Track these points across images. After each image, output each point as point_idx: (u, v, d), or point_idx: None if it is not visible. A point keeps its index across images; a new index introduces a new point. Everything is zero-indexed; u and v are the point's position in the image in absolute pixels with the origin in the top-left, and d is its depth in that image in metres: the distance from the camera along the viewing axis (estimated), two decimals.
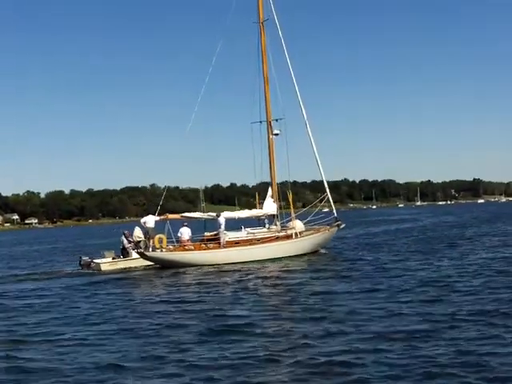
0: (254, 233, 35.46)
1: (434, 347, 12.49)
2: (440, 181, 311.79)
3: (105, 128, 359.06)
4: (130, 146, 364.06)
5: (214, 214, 35.40)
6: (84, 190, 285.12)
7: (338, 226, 38.19)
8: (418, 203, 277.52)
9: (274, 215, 37.12)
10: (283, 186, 39.13)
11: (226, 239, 34.24)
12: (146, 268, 33.67)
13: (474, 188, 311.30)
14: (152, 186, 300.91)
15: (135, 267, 33.97)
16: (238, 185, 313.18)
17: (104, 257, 35.13)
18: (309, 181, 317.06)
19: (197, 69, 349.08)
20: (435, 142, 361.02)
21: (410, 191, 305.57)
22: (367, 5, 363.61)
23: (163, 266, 33.03)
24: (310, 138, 37.98)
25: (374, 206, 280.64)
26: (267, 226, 36.60)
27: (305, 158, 39.09)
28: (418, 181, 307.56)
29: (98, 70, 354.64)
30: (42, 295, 24.84)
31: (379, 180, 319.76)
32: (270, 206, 37.08)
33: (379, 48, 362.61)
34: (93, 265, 34.30)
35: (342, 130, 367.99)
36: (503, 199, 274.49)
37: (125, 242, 35.09)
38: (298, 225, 36.39)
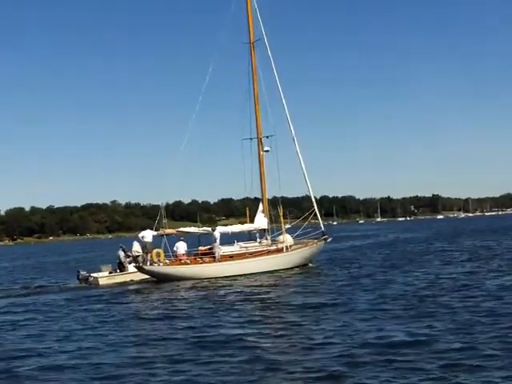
0: (246, 247, 36.68)
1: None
2: (399, 197, 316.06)
3: (64, 144, 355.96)
4: (90, 163, 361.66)
5: (210, 229, 36.61)
6: (44, 206, 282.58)
7: (325, 239, 39.60)
8: (378, 219, 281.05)
9: (264, 229, 38.37)
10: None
11: (221, 253, 35.37)
12: (142, 281, 34.57)
13: (433, 204, 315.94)
14: (113, 202, 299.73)
15: (131, 281, 34.90)
16: (200, 201, 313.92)
17: (101, 271, 35.99)
18: (270, 197, 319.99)
19: (175, 87, 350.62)
20: (394, 159, 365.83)
21: (369, 207, 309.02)
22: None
23: (160, 279, 33.96)
24: (297, 154, 39.44)
25: (335, 222, 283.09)
26: (258, 240, 37.85)
27: (292, 173, 40.24)
28: (378, 197, 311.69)
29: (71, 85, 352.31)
30: (37, 310, 25.48)
31: (339, 196, 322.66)
32: (261, 221, 38.34)
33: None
34: (90, 279, 35.11)
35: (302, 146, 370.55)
36: (462, 215, 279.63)
37: (121, 256, 36.02)
38: (287, 239, 37.69)
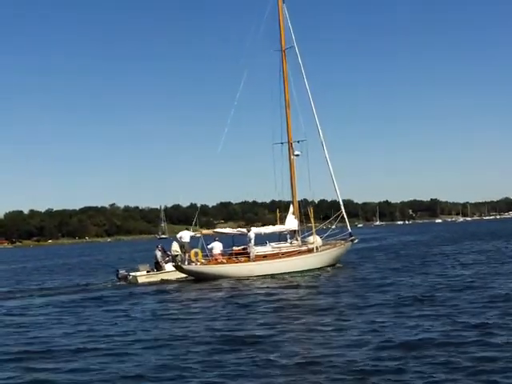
0: (279, 247, 38.03)
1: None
2: (398, 201, 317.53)
3: (63, 147, 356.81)
4: (89, 166, 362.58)
5: (245, 230, 37.96)
6: (43, 210, 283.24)
7: (352, 240, 40.98)
8: (377, 223, 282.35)
9: (295, 230, 39.73)
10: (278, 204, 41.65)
11: (255, 253, 36.70)
12: (178, 280, 35.85)
13: (432, 208, 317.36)
14: (112, 205, 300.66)
15: (168, 280, 36.17)
16: (198, 205, 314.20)
17: (138, 270, 37.28)
18: (268, 200, 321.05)
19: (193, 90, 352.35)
20: (393, 163, 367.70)
21: (368, 211, 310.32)
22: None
23: (198, 278, 35.23)
24: (326, 158, 40.75)
25: (334, 226, 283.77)
26: (289, 240, 39.21)
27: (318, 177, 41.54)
28: (376, 201, 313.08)
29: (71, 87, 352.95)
30: (85, 306, 26.88)
31: (337, 200, 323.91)
32: (291, 222, 39.71)
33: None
34: (130, 277, 36.40)
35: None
36: (460, 219, 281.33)
37: (158, 256, 37.33)
38: (317, 240, 39.05)
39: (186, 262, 35.58)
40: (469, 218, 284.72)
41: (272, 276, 35.15)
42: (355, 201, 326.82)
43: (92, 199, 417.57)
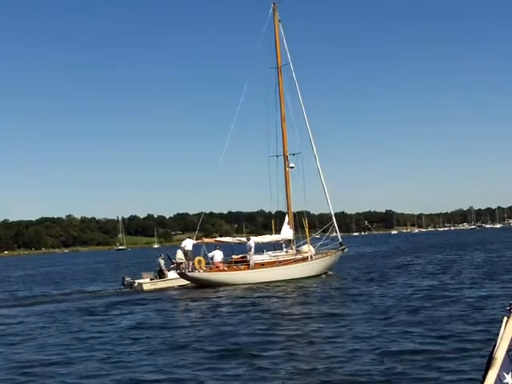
0: (276, 256, 39.83)
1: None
2: (353, 212, 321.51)
3: (20, 157, 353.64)
4: (46, 176, 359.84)
5: (244, 239, 39.68)
6: None
7: (343, 250, 42.96)
8: (334, 234, 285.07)
9: (290, 240, 41.60)
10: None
11: (254, 261, 38.45)
12: (181, 287, 37.42)
13: (387, 219, 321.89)
14: (68, 216, 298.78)
15: (172, 287, 37.72)
16: (155, 216, 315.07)
17: (142, 277, 38.72)
18: (225, 211, 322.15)
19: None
20: (347, 175, 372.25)
21: (324, 222, 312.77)
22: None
23: (201, 285, 36.82)
24: (319, 171, 42.75)
25: (325, 236, 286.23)
26: (285, 249, 41.03)
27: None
28: (316, 213, 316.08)
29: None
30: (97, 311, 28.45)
31: (294, 211, 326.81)
32: (286, 232, 41.58)
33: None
34: (135, 284, 37.84)
35: (253, 161, 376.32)
36: (416, 230, 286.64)
37: (162, 264, 38.83)
38: (311, 249, 40.96)
39: (190, 270, 37.11)
40: (424, 230, 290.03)
41: (270, 283, 36.82)
42: (311, 212, 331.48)
43: (48, 210, 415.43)
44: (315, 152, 42.85)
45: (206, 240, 39.84)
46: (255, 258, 38.79)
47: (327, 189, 43.59)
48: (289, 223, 42.17)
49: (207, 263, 37.74)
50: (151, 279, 38.60)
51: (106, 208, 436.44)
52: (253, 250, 38.48)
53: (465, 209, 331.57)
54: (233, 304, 28.18)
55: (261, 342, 17.23)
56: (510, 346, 3.19)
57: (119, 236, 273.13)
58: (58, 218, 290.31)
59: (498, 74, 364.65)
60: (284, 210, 43.34)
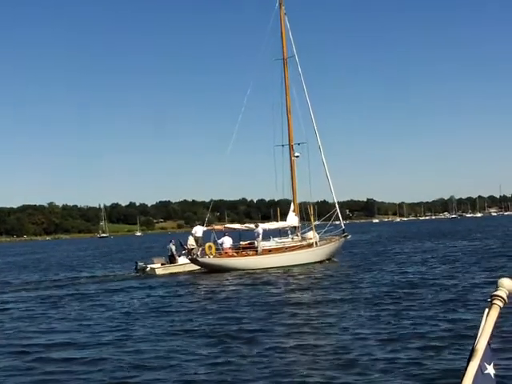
0: (282, 242, 41.14)
1: None
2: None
3: (1, 145, 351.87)
4: (27, 164, 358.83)
5: (252, 226, 40.95)
6: None
7: (346, 236, 44.32)
8: (316, 222, 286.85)
9: (295, 227, 42.92)
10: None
11: (262, 247, 39.75)
12: (192, 272, 38.67)
13: (368, 208, 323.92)
14: (50, 204, 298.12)
15: (182, 271, 38.94)
16: (137, 204, 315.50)
17: (153, 263, 39.88)
18: (207, 199, 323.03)
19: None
20: (330, 163, 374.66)
21: (303, 210, 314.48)
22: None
23: (211, 270, 38.03)
24: (323, 161, 44.02)
25: (329, 223, 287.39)
26: (290, 236, 42.33)
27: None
28: (314, 200, 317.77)
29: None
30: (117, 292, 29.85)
31: (276, 200, 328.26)
32: (292, 219, 42.88)
33: None
34: (148, 269, 38.98)
35: (241, 151, 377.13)
36: (397, 219, 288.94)
37: (173, 249, 40.03)
38: (316, 235, 42.30)
39: (201, 255, 38.33)
40: (405, 218, 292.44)
41: (277, 268, 38.06)
42: (316, 200, 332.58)
43: (30, 197, 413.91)
44: (319, 142, 44.08)
45: (216, 227, 41.07)
46: (263, 244, 40.04)
47: (330, 178, 44.43)
48: (294, 211, 43.41)
49: (217, 249, 38.96)
50: (162, 264, 39.74)
51: (88, 196, 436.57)
52: (261, 236, 39.75)
53: (446, 198, 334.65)
54: (240, 289, 29.01)
55: (263, 328, 17.48)
56: (491, 337, 3.20)
57: (101, 224, 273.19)
58: (39, 206, 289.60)
59: (476, 65, 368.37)
60: (287, 198, 44.41)
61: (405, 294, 23.17)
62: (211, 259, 38.44)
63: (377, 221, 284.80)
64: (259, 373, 12.64)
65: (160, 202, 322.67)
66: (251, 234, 41.23)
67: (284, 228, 43.02)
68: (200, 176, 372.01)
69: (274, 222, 43.87)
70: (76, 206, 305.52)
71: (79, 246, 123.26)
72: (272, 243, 40.94)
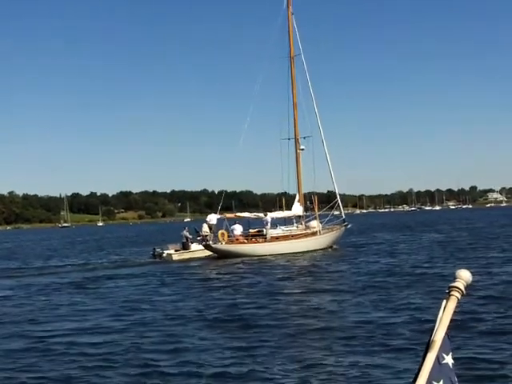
0: (289, 230, 43.51)
1: None
2: (296, 192, 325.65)
3: None
4: None
5: (261, 214, 43.22)
6: None
7: (346, 226, 46.83)
8: (337, 212, 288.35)
9: (300, 216, 45.30)
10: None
11: (270, 235, 42.06)
12: (205, 258, 40.78)
13: (329, 200, 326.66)
14: (10, 193, 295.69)
15: (196, 257, 41.04)
16: (98, 194, 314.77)
17: (168, 249, 41.91)
18: (168, 190, 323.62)
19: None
20: (266, 156, 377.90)
21: (267, 202, 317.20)
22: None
23: (223, 256, 40.11)
24: (326, 154, 46.41)
25: (331, 213, 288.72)
26: (295, 224, 44.70)
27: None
28: (275, 192, 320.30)
29: None
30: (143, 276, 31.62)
31: (237, 191, 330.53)
32: (297, 209, 45.25)
33: None
34: (164, 255, 41.00)
35: (199, 142, 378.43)
36: (357, 211, 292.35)
37: (186, 236, 42.10)
38: (319, 224, 44.74)
39: (213, 242, 40.47)
40: (364, 211, 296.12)
41: (284, 255, 40.21)
42: (254, 192, 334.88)
43: None
44: (323, 137, 46.37)
45: (228, 215, 43.25)
46: (271, 232, 42.32)
47: (332, 170, 46.76)
48: (299, 201, 45.76)
49: (229, 236, 41.12)
50: (176, 250, 41.78)
51: (49, 185, 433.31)
52: (269, 224, 42.03)
53: (405, 191, 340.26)
54: (248, 273, 30.89)
55: (267, 313, 18.14)
56: (449, 327, 3.21)
57: (62, 213, 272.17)
58: None
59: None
60: (290, 189, 46.71)
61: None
62: (223, 245, 40.58)
63: (337, 212, 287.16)
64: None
65: (121, 192, 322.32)
66: (257, 222, 43.56)
67: (290, 217, 45.31)
68: (161, 167, 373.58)
69: (280, 212, 46.13)
70: (36, 195, 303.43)
71: (47, 236, 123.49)
72: (279, 231, 43.24)
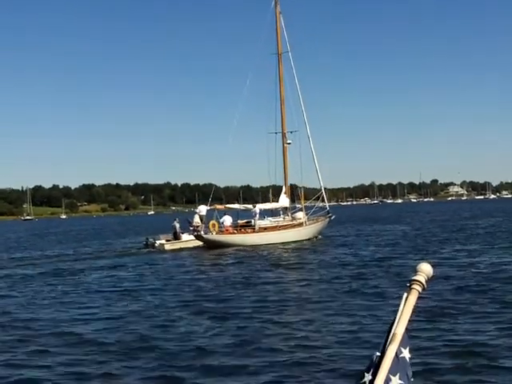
0: (276, 221, 44.88)
1: None
2: (258, 186, 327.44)
3: None
4: None
5: (251, 206, 44.49)
6: None
7: (330, 217, 48.35)
8: (322, 203, 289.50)
9: (286, 207, 46.70)
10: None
11: (259, 226, 43.36)
12: (195, 248, 41.84)
13: (291, 193, 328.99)
14: None
15: (187, 247, 42.14)
16: (61, 186, 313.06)
17: (160, 239, 42.99)
18: (132, 183, 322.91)
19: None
20: (252, 150, 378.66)
21: (230, 195, 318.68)
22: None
23: (213, 246, 41.19)
24: (311, 149, 47.83)
25: (316, 205, 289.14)
26: (282, 216, 46.08)
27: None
28: (238, 185, 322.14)
29: None
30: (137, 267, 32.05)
31: (201, 184, 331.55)
32: (284, 200, 46.66)
33: None
34: (157, 245, 42.07)
35: (166, 135, 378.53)
36: (320, 204, 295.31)
37: (177, 227, 43.20)
38: (304, 215, 46.18)
39: (204, 232, 41.64)
40: (326, 204, 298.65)
41: (272, 245, 41.48)
42: (218, 185, 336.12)
43: None
44: (308, 132, 47.76)
45: (218, 207, 44.44)
46: (259, 223, 43.62)
47: (318, 164, 48.16)
48: (285, 193, 47.13)
49: (219, 227, 42.32)
50: (167, 240, 42.87)
51: (11, 178, 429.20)
52: (258, 215, 43.33)
53: (367, 184, 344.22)
54: (237, 263, 31.80)
55: (254, 306, 18.16)
56: (409, 321, 3.20)
57: (25, 206, 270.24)
58: None
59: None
60: (277, 182, 48.10)
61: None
62: (214, 236, 41.75)
63: (299, 205, 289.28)
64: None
65: (84, 185, 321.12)
66: (246, 214, 44.88)
67: (277, 208, 46.69)
68: (124, 160, 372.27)
69: (268, 203, 47.53)
70: None
71: (10, 229, 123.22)
72: (267, 222, 44.58)
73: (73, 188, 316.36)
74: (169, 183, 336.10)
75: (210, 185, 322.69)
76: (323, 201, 49.02)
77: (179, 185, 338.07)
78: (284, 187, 47.79)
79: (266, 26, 47.69)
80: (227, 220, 43.20)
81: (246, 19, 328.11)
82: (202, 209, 43.08)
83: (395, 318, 3.23)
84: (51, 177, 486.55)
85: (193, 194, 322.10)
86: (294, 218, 46.16)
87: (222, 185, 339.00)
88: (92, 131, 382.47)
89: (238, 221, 44.28)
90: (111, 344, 13.64)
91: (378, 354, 3.22)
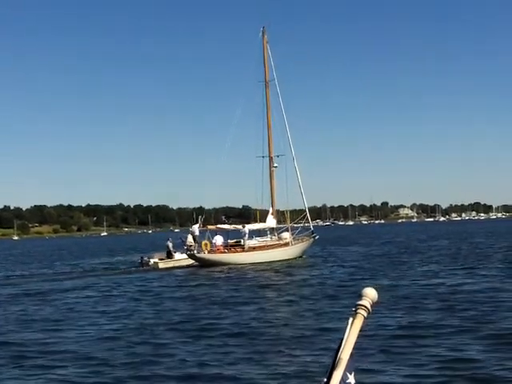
0: (264, 241, 46.81)
1: None
2: (211, 207, 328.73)
3: None
4: None
5: (240, 226, 46.34)
6: None
7: (314, 237, 50.41)
8: (307, 224, 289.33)
9: (273, 228, 48.66)
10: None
11: (248, 245, 45.23)
12: (188, 266, 43.49)
13: (244, 215, 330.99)
14: None
15: (180, 266, 43.73)
16: (12, 207, 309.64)
17: (153, 258, 44.52)
18: (84, 204, 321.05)
19: None
20: (189, 171, 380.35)
21: (183, 216, 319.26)
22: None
23: (206, 264, 42.89)
24: (296, 172, 49.90)
25: (150, 231, 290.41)
26: (269, 236, 48.02)
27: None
28: (191, 207, 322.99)
29: None
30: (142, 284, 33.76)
31: (153, 205, 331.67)
32: (270, 221, 48.61)
33: None
34: (151, 263, 43.59)
35: (118, 156, 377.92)
36: (304, 224, 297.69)
37: (170, 246, 44.79)
38: (290, 236, 48.16)
39: (197, 251, 43.34)
40: (280, 225, 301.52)
41: (260, 264, 43.10)
42: (170, 206, 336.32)
43: None
44: (294, 156, 49.84)
45: (210, 227, 46.19)
46: (248, 243, 45.46)
47: (302, 186, 50.21)
48: (272, 214, 49.07)
49: (211, 246, 44.03)
50: (161, 259, 44.41)
51: None
52: (247, 235, 45.22)
53: (318, 206, 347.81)
54: (227, 282, 32.93)
55: (241, 323, 19.04)
56: (354, 346, 3.18)
57: None
58: None
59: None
60: (265, 204, 50.08)
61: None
62: (206, 255, 43.50)
63: (307, 225, 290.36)
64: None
65: (35, 205, 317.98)
66: (235, 233, 46.73)
67: (264, 229, 48.64)
68: (76, 181, 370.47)
69: (256, 224, 49.31)
70: None
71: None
72: (255, 242, 46.47)
73: (24, 209, 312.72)
74: (121, 204, 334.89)
75: (164, 206, 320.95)
76: (307, 221, 50.68)
77: (132, 206, 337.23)
78: (271, 208, 49.64)
79: (256, 55, 50.09)
80: (219, 240, 44.87)
81: (236, 46, 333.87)
82: (195, 229, 44.73)
83: (341, 342, 3.25)
84: (2, 198, 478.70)
85: (145, 216, 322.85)
86: (280, 238, 48.03)
87: (174, 206, 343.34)
88: (43, 152, 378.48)
89: (229, 240, 46.01)
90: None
91: (325, 379, 3.23)
